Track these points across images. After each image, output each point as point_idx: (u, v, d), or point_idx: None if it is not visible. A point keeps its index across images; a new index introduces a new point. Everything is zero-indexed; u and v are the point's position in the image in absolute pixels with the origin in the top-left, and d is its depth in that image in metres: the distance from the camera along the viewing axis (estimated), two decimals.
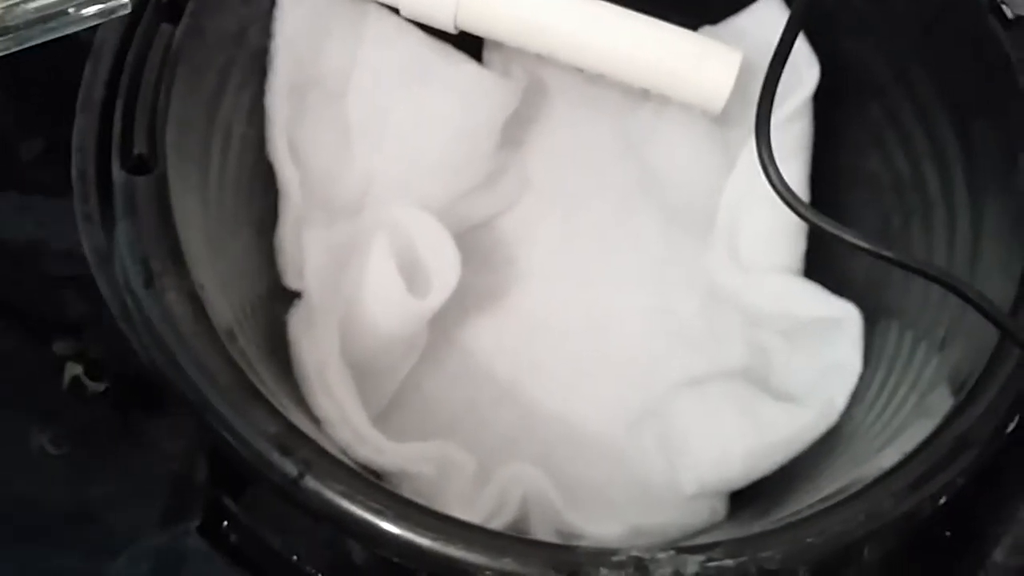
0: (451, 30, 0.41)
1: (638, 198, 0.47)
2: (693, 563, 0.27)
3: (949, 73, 0.37)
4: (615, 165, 0.47)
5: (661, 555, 0.27)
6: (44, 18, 0.34)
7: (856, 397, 0.37)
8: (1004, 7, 0.36)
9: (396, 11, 0.41)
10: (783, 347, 0.41)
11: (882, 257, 0.32)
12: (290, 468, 0.28)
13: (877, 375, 0.37)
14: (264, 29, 0.38)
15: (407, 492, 0.31)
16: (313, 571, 0.35)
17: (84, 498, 0.35)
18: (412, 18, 0.41)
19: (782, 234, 0.41)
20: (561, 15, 0.39)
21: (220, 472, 0.35)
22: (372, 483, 0.28)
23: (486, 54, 0.45)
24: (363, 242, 0.39)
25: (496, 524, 0.35)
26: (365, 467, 0.34)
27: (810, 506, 0.29)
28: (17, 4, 0.34)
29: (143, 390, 0.37)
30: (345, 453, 0.34)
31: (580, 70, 0.42)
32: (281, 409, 0.29)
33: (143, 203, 0.31)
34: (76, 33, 0.34)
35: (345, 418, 0.35)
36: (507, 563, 0.27)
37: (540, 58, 0.41)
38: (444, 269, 0.39)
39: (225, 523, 0.35)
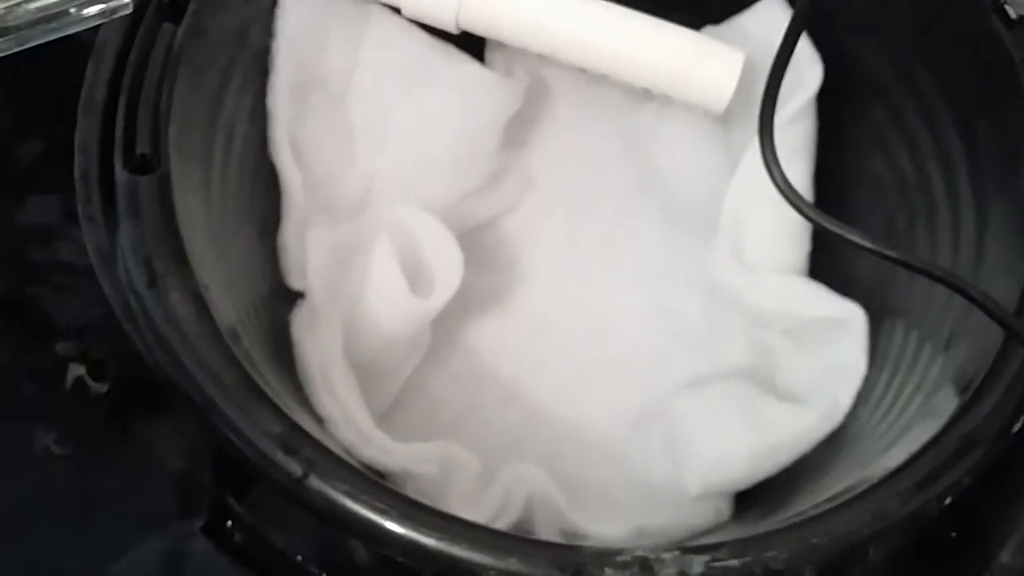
0: (453, 30, 0.41)
1: (640, 198, 0.47)
2: (698, 563, 0.27)
3: (952, 74, 0.37)
4: (617, 165, 0.47)
5: (666, 555, 0.27)
6: (45, 18, 0.34)
7: (861, 397, 0.37)
8: (1007, 7, 0.36)
9: (398, 11, 0.41)
10: (788, 347, 0.41)
11: (887, 257, 0.32)
12: (294, 468, 0.28)
13: (882, 375, 0.37)
14: (266, 29, 0.38)
15: (411, 492, 0.31)
16: (317, 571, 0.35)
17: (88, 498, 0.35)
18: (414, 18, 0.41)
19: (786, 234, 0.41)
20: (564, 15, 0.39)
21: (224, 472, 0.35)
22: (376, 483, 0.28)
23: (488, 54, 0.45)
24: (366, 242, 0.39)
25: (500, 524, 0.35)
26: (369, 467, 0.34)
27: (815, 506, 0.29)
28: (18, 4, 0.34)
29: (147, 391, 0.36)
30: (349, 453, 0.34)
31: (583, 70, 0.42)
32: (285, 409, 0.29)
33: (146, 203, 0.31)
34: (77, 33, 0.34)
35: (349, 418, 0.35)
36: (512, 563, 0.26)
37: (542, 58, 0.41)
38: (447, 269, 0.39)
39: (229, 523, 0.35)
